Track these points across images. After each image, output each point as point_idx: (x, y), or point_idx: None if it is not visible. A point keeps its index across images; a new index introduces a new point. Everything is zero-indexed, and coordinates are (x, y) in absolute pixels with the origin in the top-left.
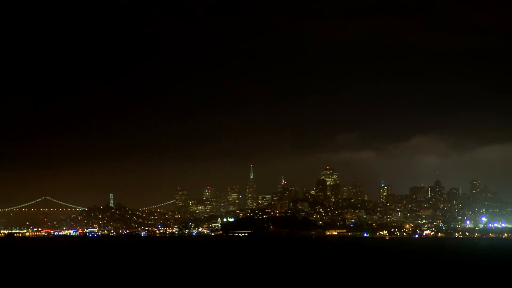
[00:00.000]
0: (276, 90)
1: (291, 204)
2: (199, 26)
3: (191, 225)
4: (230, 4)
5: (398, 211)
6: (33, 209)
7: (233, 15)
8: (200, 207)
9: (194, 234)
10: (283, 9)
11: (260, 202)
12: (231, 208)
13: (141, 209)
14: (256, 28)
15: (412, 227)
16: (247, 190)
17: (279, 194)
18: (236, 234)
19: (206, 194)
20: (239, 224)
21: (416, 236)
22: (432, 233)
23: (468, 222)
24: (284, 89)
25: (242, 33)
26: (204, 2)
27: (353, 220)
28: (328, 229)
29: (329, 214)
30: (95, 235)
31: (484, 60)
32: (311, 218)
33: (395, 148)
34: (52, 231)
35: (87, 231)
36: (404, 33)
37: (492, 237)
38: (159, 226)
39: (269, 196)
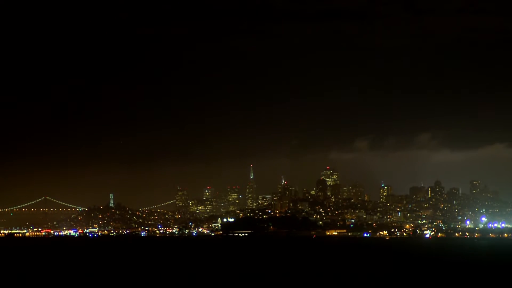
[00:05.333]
0: (277, 91)
1: (291, 204)
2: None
3: (191, 225)
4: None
5: (398, 211)
6: (33, 209)
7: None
8: (200, 207)
9: (194, 234)
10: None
11: (260, 202)
12: (231, 208)
13: (141, 209)
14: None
15: (412, 227)
16: (247, 190)
17: (279, 194)
18: (236, 234)
19: (206, 194)
20: (239, 224)
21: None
22: (433, 233)
23: (468, 222)
24: (284, 90)
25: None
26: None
27: (353, 220)
28: (328, 229)
29: (329, 214)
30: (95, 235)
31: (479, 58)
32: (311, 218)
33: (395, 148)
34: (52, 231)
35: (87, 231)
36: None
37: (492, 237)
38: (159, 226)
39: (269, 196)
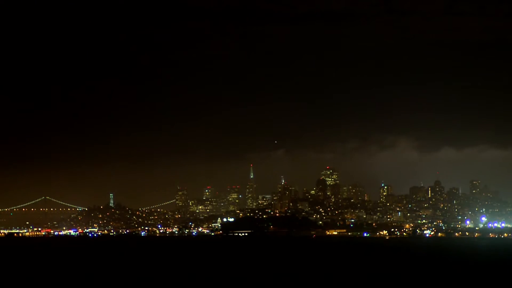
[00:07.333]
0: (277, 91)
1: (291, 204)
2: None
3: (191, 225)
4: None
5: (398, 211)
6: (33, 209)
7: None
8: (200, 207)
9: (194, 234)
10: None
11: (260, 202)
12: (231, 208)
13: (141, 209)
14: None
15: (412, 227)
16: (247, 190)
17: (279, 194)
18: (236, 234)
19: (206, 194)
20: (239, 224)
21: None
22: (432, 233)
23: (468, 222)
24: (284, 90)
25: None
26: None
27: (353, 220)
28: (328, 229)
29: (329, 214)
30: (95, 235)
31: (487, 58)
32: (311, 218)
33: (395, 148)
34: (52, 231)
35: (87, 231)
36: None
37: (492, 237)
38: (159, 226)
39: (269, 196)
